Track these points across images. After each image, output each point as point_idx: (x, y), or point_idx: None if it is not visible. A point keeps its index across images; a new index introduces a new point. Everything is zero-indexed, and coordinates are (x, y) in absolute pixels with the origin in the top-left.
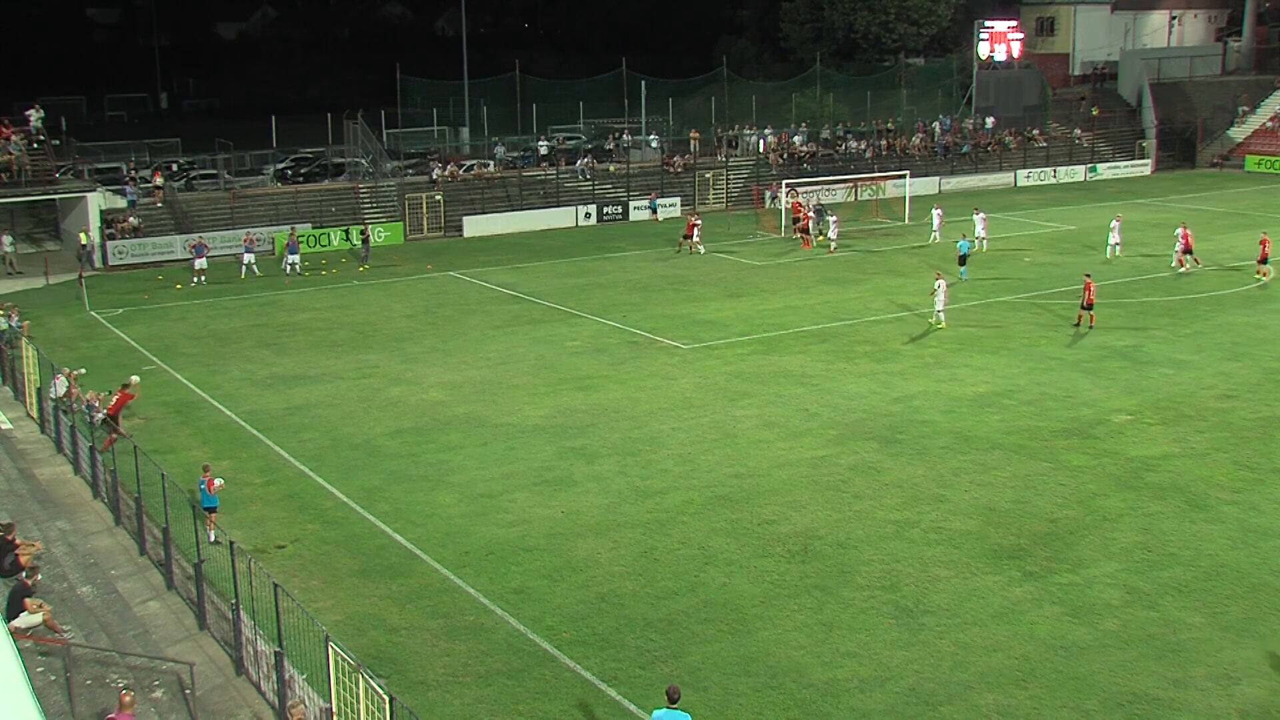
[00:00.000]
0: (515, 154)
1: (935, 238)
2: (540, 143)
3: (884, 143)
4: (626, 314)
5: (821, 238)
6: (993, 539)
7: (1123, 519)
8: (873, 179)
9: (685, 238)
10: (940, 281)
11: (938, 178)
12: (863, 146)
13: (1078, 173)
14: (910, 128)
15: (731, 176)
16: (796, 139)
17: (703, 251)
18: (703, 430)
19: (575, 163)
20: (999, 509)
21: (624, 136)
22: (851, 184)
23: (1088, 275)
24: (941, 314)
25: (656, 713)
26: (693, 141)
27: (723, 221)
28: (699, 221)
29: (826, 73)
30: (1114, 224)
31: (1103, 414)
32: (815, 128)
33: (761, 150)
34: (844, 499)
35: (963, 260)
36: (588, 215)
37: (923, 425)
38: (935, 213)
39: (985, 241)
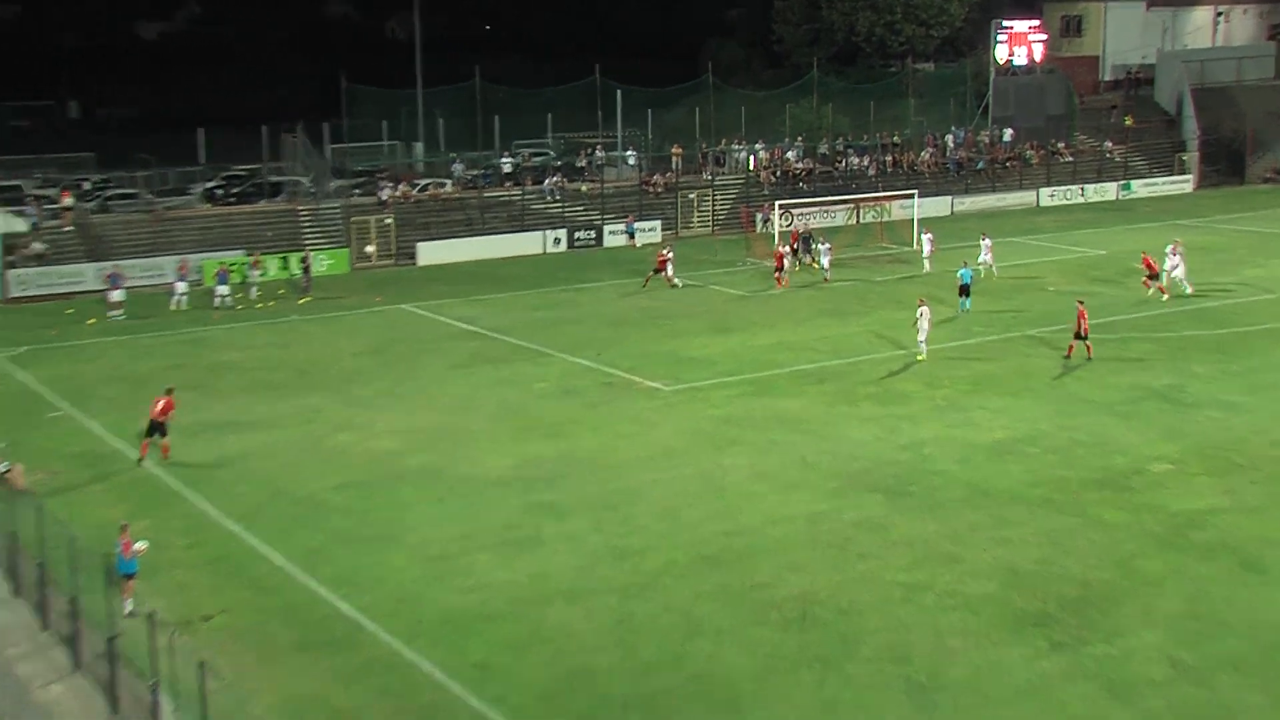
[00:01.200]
0: (475, 172)
1: (926, 266)
2: (503, 159)
3: (889, 158)
4: (601, 352)
5: (815, 266)
6: (1015, 604)
7: (1165, 583)
8: (876, 199)
9: (656, 271)
10: (923, 309)
11: (950, 197)
12: (865, 163)
13: (1109, 191)
14: (919, 141)
15: (718, 197)
16: (791, 154)
17: (679, 284)
18: (687, 482)
19: (543, 182)
20: (1022, 570)
21: (597, 152)
22: (853, 205)
23: (1080, 301)
24: (923, 344)
25: None
26: (674, 158)
27: (708, 247)
28: (671, 255)
29: (825, 80)
30: (1171, 249)
31: (1140, 463)
32: (812, 142)
33: (752, 167)
34: (847, 559)
35: (964, 291)
36: (557, 241)
37: (934, 476)
38: (925, 239)
39: (994, 269)
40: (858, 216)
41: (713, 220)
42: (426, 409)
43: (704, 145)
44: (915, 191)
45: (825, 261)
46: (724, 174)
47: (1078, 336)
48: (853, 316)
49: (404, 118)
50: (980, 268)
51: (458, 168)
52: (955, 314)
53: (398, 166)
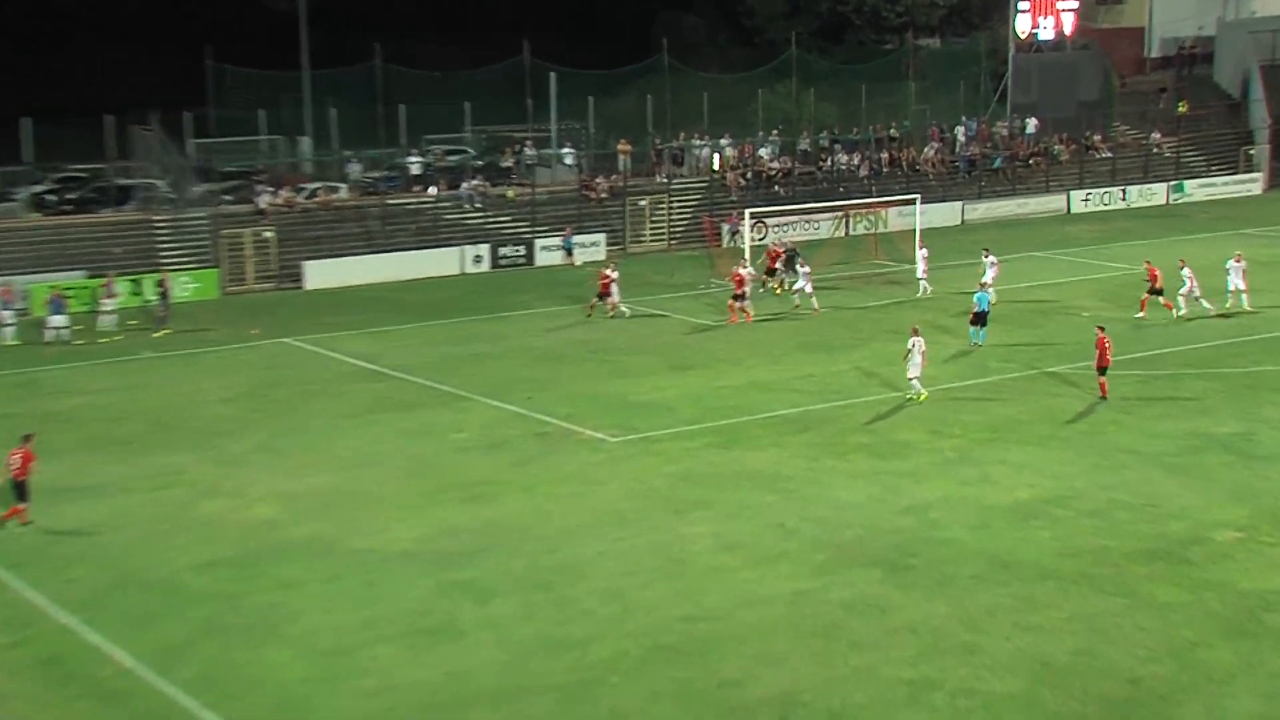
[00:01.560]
0: (376, 174)
1: (924, 289)
2: (411, 159)
3: (885, 155)
4: (533, 395)
5: (780, 290)
6: (1048, 706)
7: (1235, 679)
8: (870, 206)
9: (600, 297)
10: (916, 340)
11: (960, 203)
12: (856, 161)
13: (1157, 193)
14: (921, 135)
15: (676, 204)
16: (764, 151)
17: (627, 313)
18: (639, 554)
19: (460, 186)
20: (1055, 664)
21: (527, 150)
22: (840, 214)
23: (1100, 328)
24: (916, 382)
25: None
26: (622, 156)
27: (664, 266)
28: (616, 275)
29: (806, 60)
30: (1232, 264)
31: (1200, 529)
32: (790, 136)
33: (717, 168)
34: (836, 650)
35: (979, 319)
36: (478, 259)
37: (944, 546)
38: (920, 254)
39: (992, 292)
40: (847, 228)
41: (669, 233)
42: (316, 467)
43: (658, 141)
44: (917, 196)
45: (806, 286)
46: (683, 176)
47: (1101, 370)
48: (841, 350)
49: (286, 107)
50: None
51: (354, 169)
52: (967, 347)
53: (279, 167)
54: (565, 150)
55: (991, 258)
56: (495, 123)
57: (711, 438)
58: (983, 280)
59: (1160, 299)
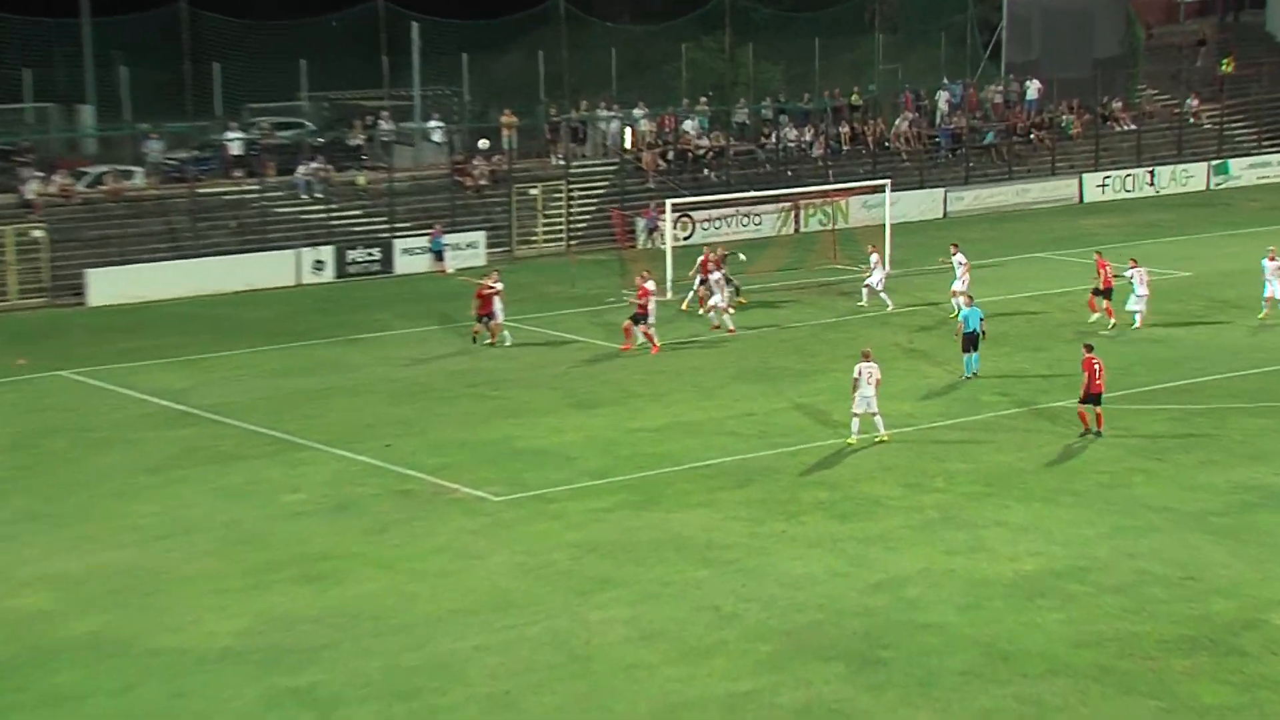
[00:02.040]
0: (183, 155)
1: (887, 304)
2: (230, 134)
3: (845, 130)
4: (392, 442)
5: (686, 308)
6: None
7: None
8: (826, 194)
9: (481, 318)
10: (865, 367)
11: (941, 189)
12: (808, 137)
13: (1194, 175)
14: (892, 103)
15: (577, 193)
16: (690, 125)
17: (508, 340)
18: (532, 649)
19: (294, 170)
20: None
21: (382, 123)
22: (789, 205)
23: (1089, 348)
24: (856, 421)
25: None
26: (506, 133)
27: (562, 273)
28: (499, 287)
29: (743, 7)
30: (1267, 264)
31: (1254, 609)
32: (723, 105)
33: (629, 146)
34: None
35: (970, 341)
36: (319, 265)
37: (925, 632)
38: (873, 259)
39: (958, 302)
40: (797, 223)
41: (568, 230)
42: (104, 541)
43: (553, 111)
44: (887, 182)
45: (719, 300)
46: (585, 157)
47: (1088, 399)
48: (789, 380)
49: (60, 65)
50: (954, 303)
51: (153, 147)
52: (955, 378)
53: (51, 145)
54: (432, 124)
55: (960, 256)
56: (341, 88)
57: (625, 495)
58: (953, 287)
59: (1105, 302)
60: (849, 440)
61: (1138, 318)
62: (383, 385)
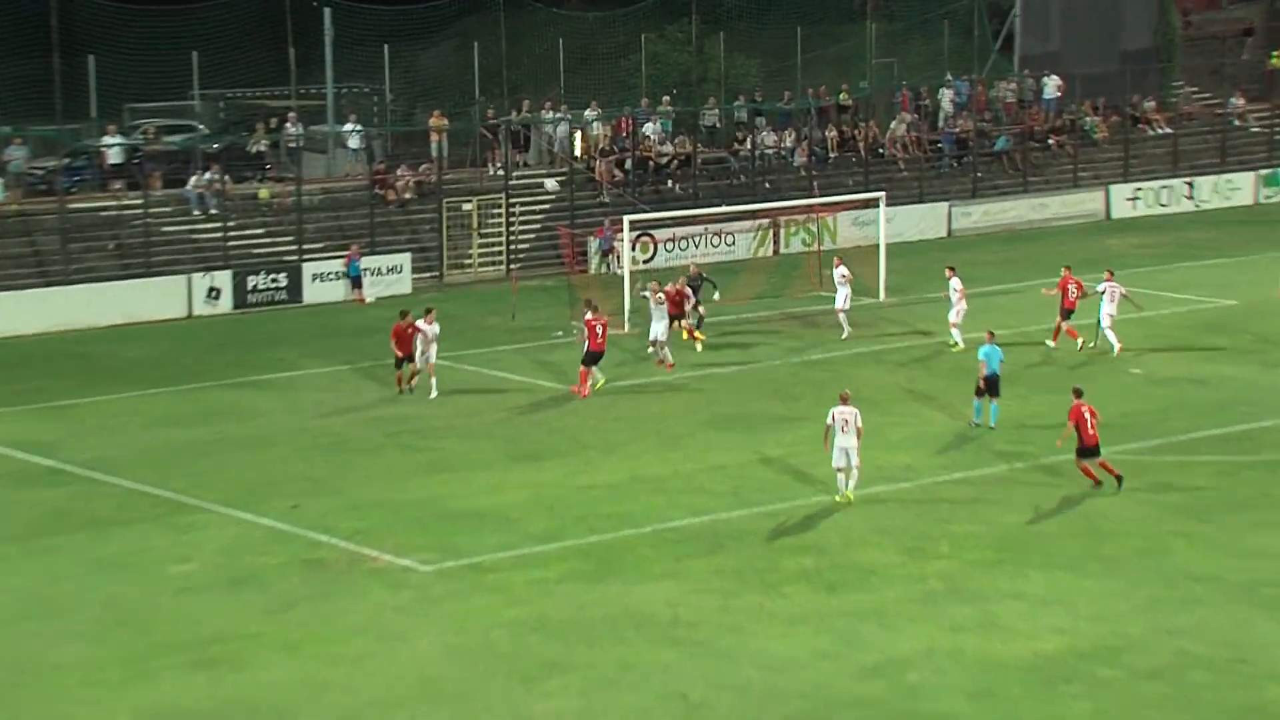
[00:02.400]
0: (51, 164)
1: (845, 331)
2: (108, 140)
3: (833, 134)
4: (301, 502)
5: (696, 335)
6: None
7: None
8: (809, 210)
9: (403, 359)
10: (842, 412)
11: (945, 204)
12: (789, 143)
13: (1240, 187)
14: (887, 102)
15: (519, 208)
16: (651, 129)
17: (434, 394)
18: None
19: (185, 182)
20: None
21: (289, 126)
22: (766, 222)
23: (1077, 393)
24: (841, 477)
25: None
26: (435, 138)
27: (501, 303)
28: (432, 329)
29: None
30: None
31: None
32: (690, 105)
33: (580, 152)
34: None
35: (989, 386)
36: (214, 294)
37: None
38: (838, 273)
39: (957, 334)
40: (775, 243)
41: (508, 252)
42: None
43: (490, 113)
44: (881, 195)
45: (659, 332)
46: (528, 166)
47: (1085, 453)
48: (768, 427)
49: None
50: (953, 334)
51: (15, 155)
52: (964, 426)
53: None
54: (349, 127)
55: (956, 281)
56: (240, 85)
57: (576, 563)
58: (949, 318)
59: (1065, 324)
60: (838, 497)
61: (1113, 339)
62: (290, 436)
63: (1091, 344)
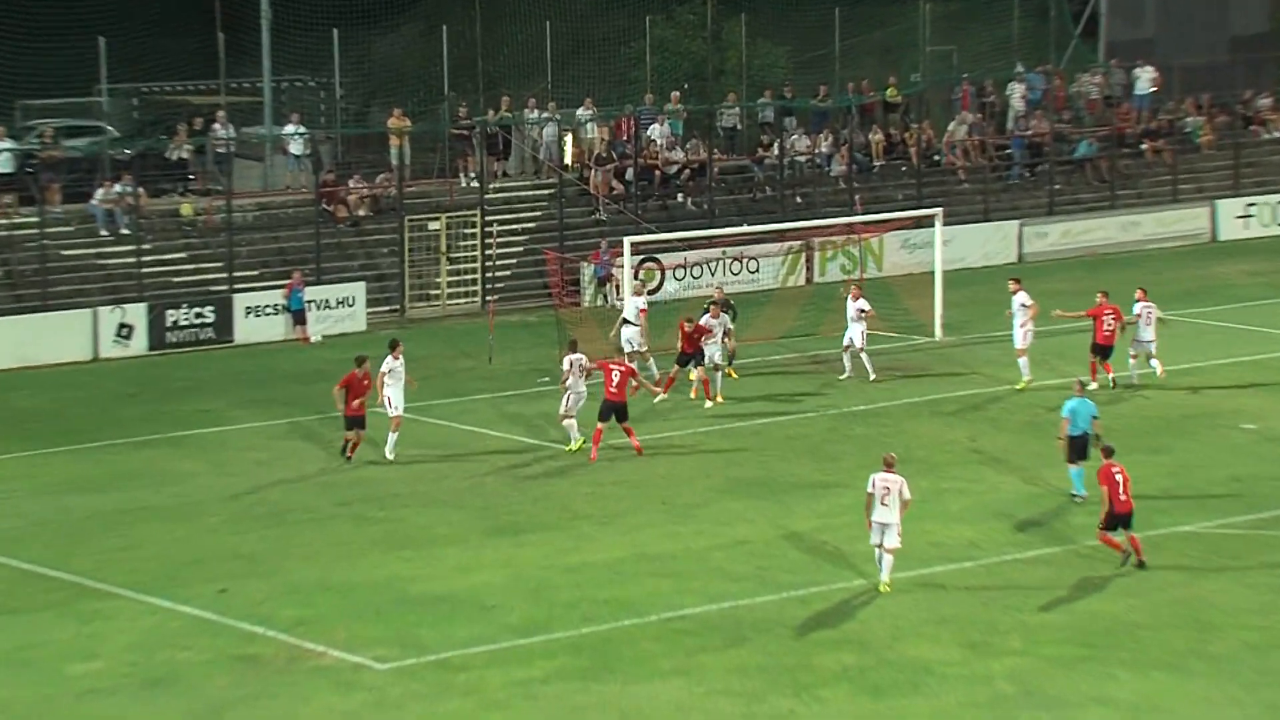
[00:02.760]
0: None
1: (847, 367)
2: None
3: (878, 138)
4: (231, 585)
5: (694, 385)
6: None
7: None
8: (850, 230)
9: (351, 423)
10: (885, 479)
11: (1015, 223)
12: (824, 148)
13: None
14: (944, 100)
15: (497, 228)
16: (657, 131)
17: (390, 455)
18: None
19: (92, 197)
20: None
21: (218, 128)
22: (798, 246)
23: (1107, 451)
24: (884, 559)
25: None
26: (395, 142)
27: (475, 342)
28: (396, 375)
29: None
30: None
31: None
32: (704, 103)
33: (570, 161)
34: None
35: (1079, 449)
36: (125, 332)
37: None
38: (855, 308)
39: (1024, 370)
40: (809, 270)
41: (484, 281)
42: None
43: (462, 111)
44: (938, 211)
45: (715, 355)
46: (508, 177)
47: (1108, 522)
48: (799, 494)
49: None
50: (1020, 365)
51: None
52: (1039, 490)
53: None
54: (290, 130)
55: (1024, 296)
56: (157, 78)
57: (566, 660)
58: (1016, 344)
59: (1102, 361)
60: (880, 584)
61: (1156, 366)
62: (218, 504)
63: (1129, 376)
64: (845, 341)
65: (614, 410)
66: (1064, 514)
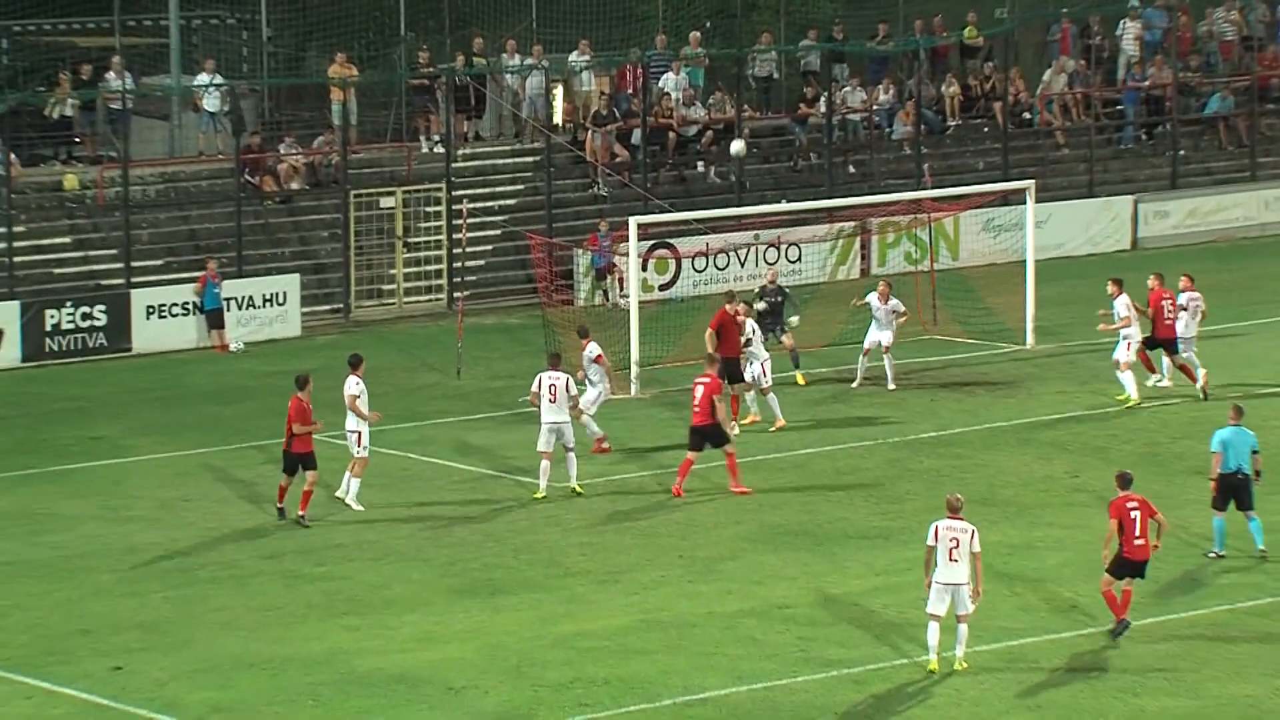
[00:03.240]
0: None
1: (857, 379)
2: None
3: (954, 90)
4: (127, 662)
5: (741, 418)
6: None
7: None
8: (918, 208)
9: (298, 460)
10: (951, 528)
11: (1129, 198)
12: (884, 103)
13: None
14: (1035, 45)
15: (470, 204)
16: (671, 82)
17: (354, 504)
18: None
19: None
20: None
21: (110, 78)
22: (849, 226)
23: (1124, 480)
24: (960, 632)
25: None
26: (338, 97)
27: (439, 350)
28: (357, 388)
29: None
30: None
31: None
32: (731, 47)
33: (560, 121)
34: None
35: (1234, 491)
36: None
37: None
38: (888, 309)
39: (1128, 380)
40: (864, 259)
41: (449, 271)
42: None
43: (424, 58)
44: (1030, 184)
45: (761, 376)
46: (482, 140)
47: (1122, 568)
48: (851, 545)
49: None
50: (1121, 381)
51: None
52: (1202, 555)
53: None
54: (203, 80)
55: (1125, 299)
56: (33, 15)
57: None
58: (1115, 356)
59: (1168, 358)
60: (929, 665)
61: (1199, 375)
62: (112, 557)
63: (1160, 380)
64: (867, 344)
65: (705, 438)
66: (1195, 572)
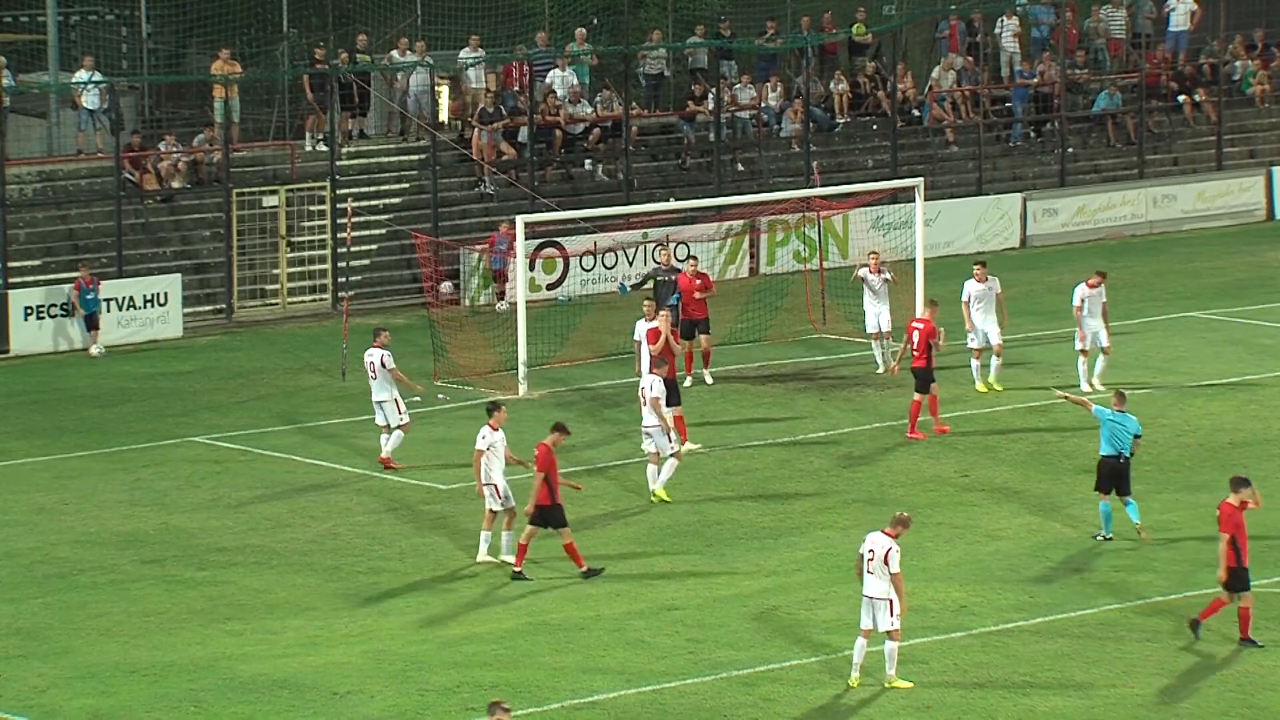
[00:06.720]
0: None
1: (880, 365)
2: None
3: (843, 88)
4: (3, 669)
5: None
6: None
7: None
8: (805, 207)
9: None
10: (879, 545)
11: (1018, 196)
12: (773, 101)
13: None
14: (924, 39)
15: (355, 203)
16: (558, 79)
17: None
18: None
19: None
20: None
21: None
22: (738, 224)
23: (1237, 482)
24: (887, 645)
25: None
26: (220, 94)
27: (323, 352)
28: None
29: None
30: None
31: None
32: (618, 44)
33: (448, 116)
34: None
35: (1116, 474)
36: None
37: None
38: (878, 280)
39: (992, 371)
40: (753, 257)
41: (333, 271)
42: None
43: (316, 52)
44: (918, 182)
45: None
46: (367, 138)
47: (1237, 580)
48: (740, 545)
49: None
50: (986, 382)
51: None
52: (1091, 538)
53: None
54: (82, 77)
55: (991, 282)
56: None
57: None
58: (970, 341)
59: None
60: (850, 681)
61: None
62: None
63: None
64: (872, 328)
65: (925, 380)
66: (1083, 568)
